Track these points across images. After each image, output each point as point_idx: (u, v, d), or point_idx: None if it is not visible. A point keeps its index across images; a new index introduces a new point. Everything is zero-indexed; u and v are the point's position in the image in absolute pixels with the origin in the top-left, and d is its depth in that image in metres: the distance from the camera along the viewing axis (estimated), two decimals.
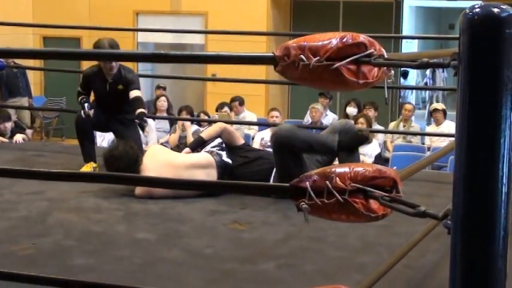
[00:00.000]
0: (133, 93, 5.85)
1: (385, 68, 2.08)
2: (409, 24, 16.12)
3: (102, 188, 4.99)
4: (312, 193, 2.05)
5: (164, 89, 12.27)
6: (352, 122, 5.75)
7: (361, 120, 9.45)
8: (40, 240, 3.97)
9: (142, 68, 13.46)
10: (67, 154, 6.73)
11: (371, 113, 10.31)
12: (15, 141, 7.30)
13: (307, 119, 11.06)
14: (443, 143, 9.87)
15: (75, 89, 13.92)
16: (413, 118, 11.02)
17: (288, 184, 2.14)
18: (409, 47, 16.21)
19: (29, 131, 9.92)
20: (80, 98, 5.91)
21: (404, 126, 10.58)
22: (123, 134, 5.97)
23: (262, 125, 10.43)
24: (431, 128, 10.38)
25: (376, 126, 10.30)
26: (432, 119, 10.78)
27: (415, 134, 10.11)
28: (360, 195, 2.04)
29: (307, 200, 2.06)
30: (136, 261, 3.69)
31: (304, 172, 2.16)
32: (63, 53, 2.97)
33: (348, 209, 2.04)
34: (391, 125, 11.04)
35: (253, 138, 10.08)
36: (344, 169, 2.07)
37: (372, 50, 2.02)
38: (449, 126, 10.13)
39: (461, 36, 1.64)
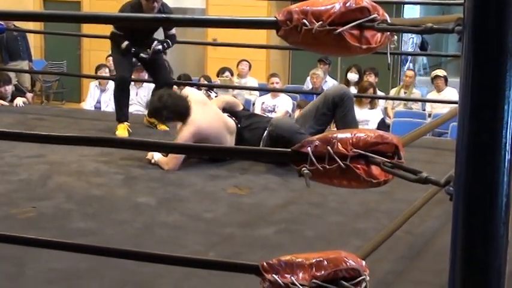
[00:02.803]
0: (171, 32, 6.10)
1: (388, 33, 2.06)
2: None
3: (102, 152, 4.99)
4: (313, 158, 2.04)
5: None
6: (346, 88, 5.70)
7: (367, 85, 9.40)
8: (40, 204, 3.98)
9: None
10: (68, 118, 6.73)
11: (371, 78, 10.26)
12: (16, 105, 7.27)
13: (307, 85, 11.03)
14: (444, 109, 9.85)
15: (76, 53, 13.82)
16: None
17: (289, 149, 2.13)
18: (411, 12, 16.08)
19: (29, 95, 9.87)
20: (127, 44, 5.85)
21: (405, 92, 10.54)
22: (153, 60, 6.07)
23: (263, 90, 10.39)
24: (433, 95, 10.33)
25: (377, 92, 10.26)
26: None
27: (417, 100, 10.04)
28: (362, 161, 2.04)
29: (308, 165, 2.06)
30: (137, 225, 3.70)
31: None
32: (64, 16, 2.95)
33: (350, 175, 2.04)
34: (392, 92, 11.00)
35: (253, 104, 10.06)
36: (346, 135, 2.06)
37: (375, 15, 2.00)
38: (450, 93, 10.09)
39: (465, 1, 1.62)
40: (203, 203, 4.10)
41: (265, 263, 2.16)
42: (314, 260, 2.11)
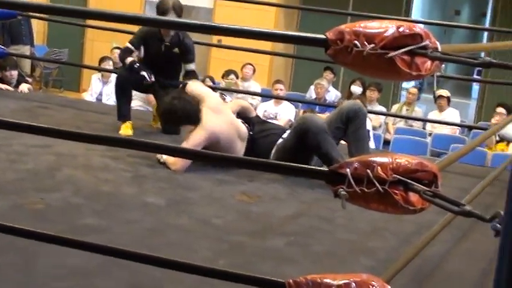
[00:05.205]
0: (190, 67, 5.96)
1: (438, 61, 2.05)
2: (415, 9, 15.90)
3: (109, 147, 4.93)
4: (351, 180, 2.03)
5: None
6: (361, 104, 5.68)
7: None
8: (48, 196, 3.94)
9: None
10: (72, 109, 6.68)
11: (374, 94, 10.27)
12: (21, 91, 7.22)
13: (310, 94, 11.02)
14: (444, 130, 9.87)
15: (78, 42, 13.76)
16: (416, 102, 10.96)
17: (326, 169, 2.12)
18: None
19: (30, 81, 9.82)
20: (131, 61, 5.73)
21: (407, 109, 10.54)
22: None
23: (266, 96, 10.37)
24: (434, 114, 10.35)
25: (379, 107, 10.27)
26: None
27: (423, 120, 10.02)
28: (400, 187, 2.03)
29: (346, 186, 2.04)
30: (146, 225, 3.67)
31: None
32: (67, 10, 2.92)
33: (387, 200, 2.03)
34: (395, 108, 11.00)
35: (255, 109, 10.03)
36: (386, 159, 2.05)
37: (427, 42, 1.99)
38: (452, 113, 10.11)
39: None
40: (212, 208, 4.07)
41: (291, 281, 2.15)
42: (342, 282, 2.09)
